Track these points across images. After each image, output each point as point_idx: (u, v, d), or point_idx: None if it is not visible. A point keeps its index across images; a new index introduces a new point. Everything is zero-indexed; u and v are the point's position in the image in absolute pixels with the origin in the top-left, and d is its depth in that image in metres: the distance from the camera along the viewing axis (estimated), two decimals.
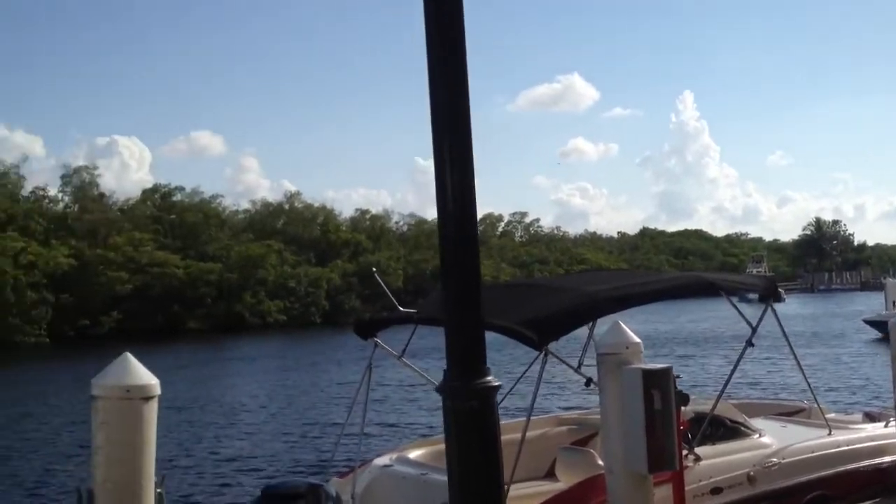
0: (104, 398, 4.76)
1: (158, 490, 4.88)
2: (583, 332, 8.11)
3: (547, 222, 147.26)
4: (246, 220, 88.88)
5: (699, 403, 7.41)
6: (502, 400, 4.61)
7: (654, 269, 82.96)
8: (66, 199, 75.16)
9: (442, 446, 6.66)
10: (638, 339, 5.93)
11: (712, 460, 6.98)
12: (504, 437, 4.57)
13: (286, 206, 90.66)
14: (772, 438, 7.64)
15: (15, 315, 59.15)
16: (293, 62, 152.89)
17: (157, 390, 4.85)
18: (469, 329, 4.41)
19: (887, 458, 7.99)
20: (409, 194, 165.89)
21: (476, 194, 4.45)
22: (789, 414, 9.35)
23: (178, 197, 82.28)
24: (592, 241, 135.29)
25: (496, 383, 4.42)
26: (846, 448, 7.84)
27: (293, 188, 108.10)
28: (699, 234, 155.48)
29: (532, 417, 6.78)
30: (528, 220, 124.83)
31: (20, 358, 48.70)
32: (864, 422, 8.88)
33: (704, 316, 56.44)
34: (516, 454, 6.12)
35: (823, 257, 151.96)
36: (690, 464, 6.68)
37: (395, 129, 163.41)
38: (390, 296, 8.16)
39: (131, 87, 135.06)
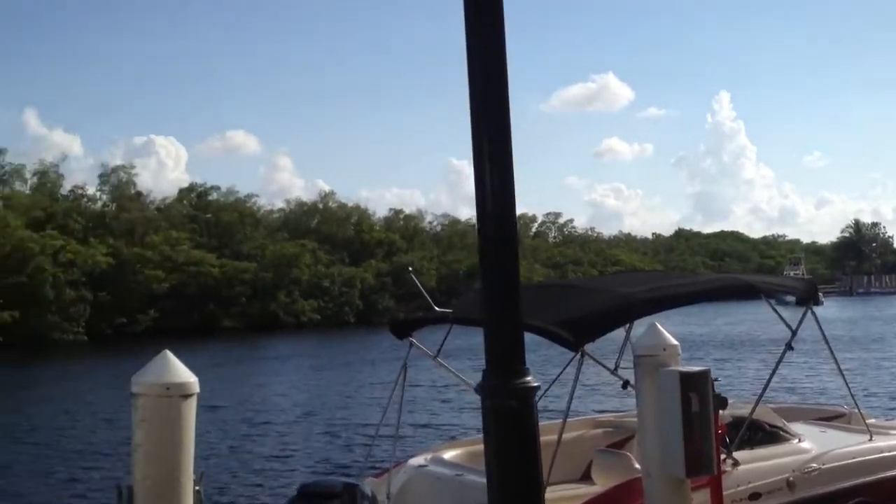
0: (144, 395, 4.80)
1: (197, 487, 4.90)
2: (618, 333, 8.05)
3: (581, 223, 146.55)
4: (280, 219, 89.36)
5: (737, 407, 7.32)
6: (538, 401, 4.56)
7: (690, 271, 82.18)
8: (104, 197, 76.23)
9: (477, 447, 6.67)
10: (675, 342, 5.87)
11: (751, 465, 6.91)
12: (540, 439, 4.52)
13: (320, 206, 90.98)
14: (811, 443, 7.56)
15: (54, 312, 59.97)
16: (327, 62, 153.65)
17: (196, 388, 4.89)
18: (508, 328, 4.38)
19: None
20: (443, 194, 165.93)
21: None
22: (829, 419, 9.22)
23: (213, 196, 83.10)
24: (627, 242, 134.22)
25: (535, 384, 4.40)
26: (887, 454, 7.74)
27: (327, 188, 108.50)
28: (735, 236, 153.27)
29: (568, 419, 6.75)
30: (561, 220, 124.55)
31: (59, 355, 49.40)
32: None
33: (741, 318, 55.76)
34: (552, 456, 6.08)
35: (862, 260, 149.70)
36: (728, 468, 6.62)
37: (430, 129, 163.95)
38: (426, 296, 8.05)
39: (167, 87, 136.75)
